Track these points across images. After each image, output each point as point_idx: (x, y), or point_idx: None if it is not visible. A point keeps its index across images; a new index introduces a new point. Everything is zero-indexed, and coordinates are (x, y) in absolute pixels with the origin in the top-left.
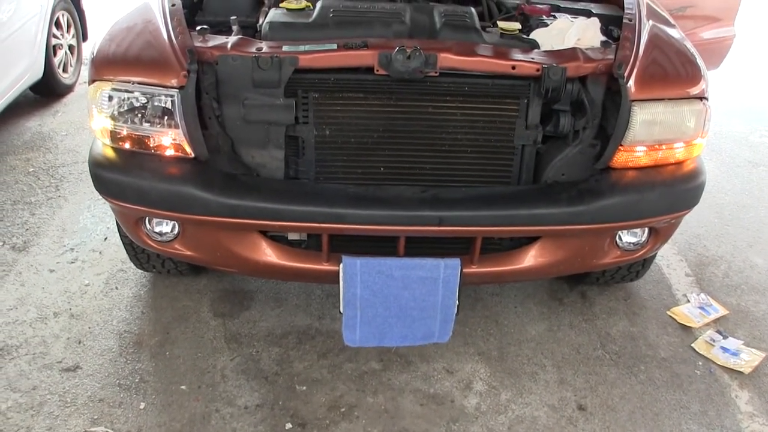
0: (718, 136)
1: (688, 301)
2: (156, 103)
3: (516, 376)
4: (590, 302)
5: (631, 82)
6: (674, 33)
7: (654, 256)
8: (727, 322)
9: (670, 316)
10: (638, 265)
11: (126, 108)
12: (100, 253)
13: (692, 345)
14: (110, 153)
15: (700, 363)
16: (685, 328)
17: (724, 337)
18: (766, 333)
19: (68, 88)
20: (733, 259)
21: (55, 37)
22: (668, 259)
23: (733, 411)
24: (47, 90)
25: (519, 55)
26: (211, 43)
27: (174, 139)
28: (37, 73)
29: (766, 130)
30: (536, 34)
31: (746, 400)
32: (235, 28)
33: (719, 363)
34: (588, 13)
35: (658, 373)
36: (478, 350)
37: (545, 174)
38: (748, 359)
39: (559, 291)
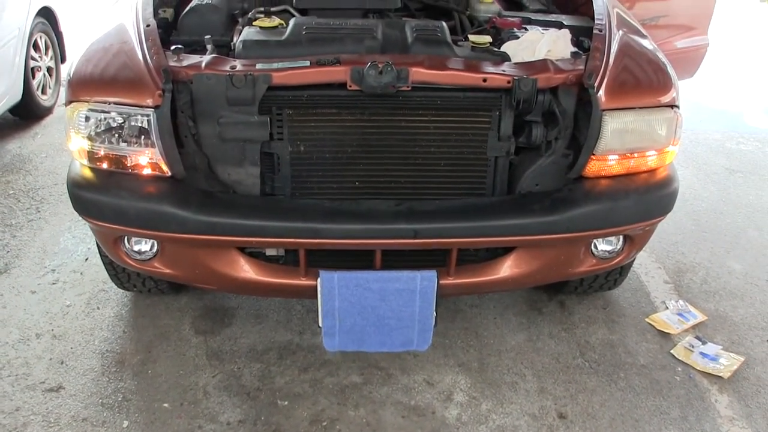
0: (694, 144)
1: (667, 308)
2: (132, 123)
3: (496, 387)
4: (569, 311)
5: (602, 92)
6: (645, 42)
7: (631, 264)
8: (706, 328)
9: (649, 323)
10: (616, 274)
11: (103, 128)
12: (81, 273)
13: (671, 351)
14: (88, 173)
15: (680, 369)
16: (664, 335)
17: (703, 343)
18: (744, 337)
19: (47, 110)
20: (711, 265)
21: (34, 59)
22: (646, 266)
23: (713, 415)
24: (26, 112)
25: (490, 68)
26: (185, 63)
27: (151, 158)
28: (15, 95)
29: (742, 137)
30: (507, 47)
31: (726, 404)
32: (209, 47)
33: (698, 368)
34: (559, 25)
35: (638, 380)
36: (459, 362)
37: (519, 185)
38: (727, 364)
39: (538, 301)
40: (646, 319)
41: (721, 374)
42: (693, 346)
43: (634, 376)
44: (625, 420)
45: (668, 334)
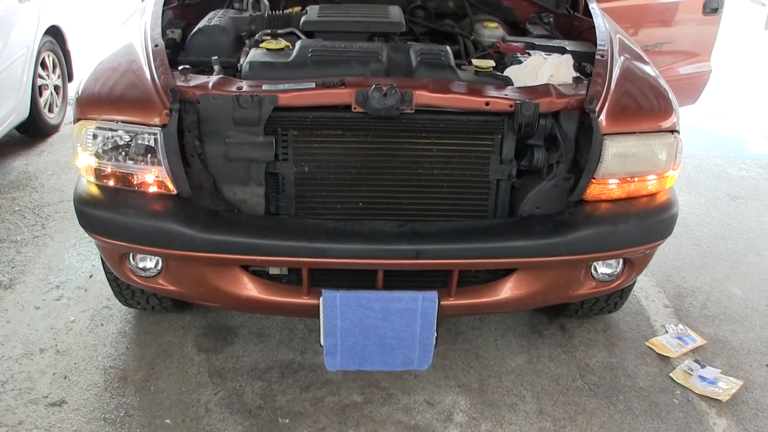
0: (697, 170)
1: (667, 332)
2: (139, 141)
3: (496, 408)
4: (569, 334)
5: (603, 117)
6: (646, 68)
7: (631, 288)
8: (705, 352)
9: (649, 347)
10: (616, 297)
11: (110, 146)
12: (85, 290)
13: (670, 374)
14: (95, 190)
15: (678, 392)
16: (664, 358)
17: (702, 367)
18: (743, 362)
19: (54, 128)
20: (711, 290)
21: (41, 77)
22: (647, 290)
23: None
24: (33, 130)
25: (493, 92)
26: (192, 83)
27: (157, 177)
28: (23, 113)
29: (744, 163)
30: (510, 71)
31: (724, 428)
32: (216, 67)
33: (697, 392)
34: (562, 50)
35: (637, 403)
36: (459, 382)
37: (521, 207)
38: (725, 387)
39: (539, 324)
40: (646, 343)
41: (719, 398)
42: (692, 370)
43: (633, 399)
44: None
45: (668, 357)
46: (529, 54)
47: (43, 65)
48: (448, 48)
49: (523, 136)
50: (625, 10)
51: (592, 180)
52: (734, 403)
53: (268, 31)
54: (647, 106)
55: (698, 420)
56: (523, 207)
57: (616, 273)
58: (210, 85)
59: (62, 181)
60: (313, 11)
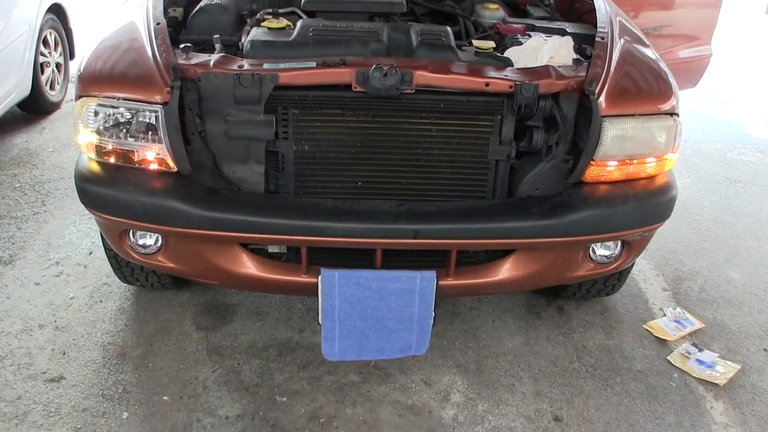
0: (696, 154)
1: (665, 315)
2: (140, 119)
3: (493, 388)
4: (567, 316)
5: (602, 99)
6: (646, 51)
7: (629, 270)
8: (703, 336)
9: (647, 330)
10: (614, 279)
11: (111, 123)
12: (84, 267)
13: (668, 358)
14: (95, 167)
15: (676, 375)
16: (661, 341)
17: (700, 350)
18: (741, 346)
19: (55, 106)
20: (710, 273)
21: (43, 55)
22: (645, 273)
23: (708, 422)
24: (34, 107)
25: (493, 73)
26: (194, 61)
27: (158, 154)
28: (24, 90)
29: (744, 147)
30: (510, 53)
31: (721, 411)
32: (217, 46)
33: (694, 375)
34: (562, 32)
35: (634, 385)
36: (456, 363)
37: (519, 188)
38: (723, 371)
39: (537, 305)
40: (644, 326)
41: (716, 381)
42: (690, 353)
43: (630, 382)
44: (620, 424)
45: (665, 340)
46: (530, 35)
47: (45, 43)
48: (449, 29)
49: (522, 117)
50: None
51: (591, 162)
52: (731, 386)
53: (270, 10)
54: (647, 89)
55: (695, 403)
56: (522, 188)
57: (614, 255)
58: (211, 63)
59: (63, 158)
60: None
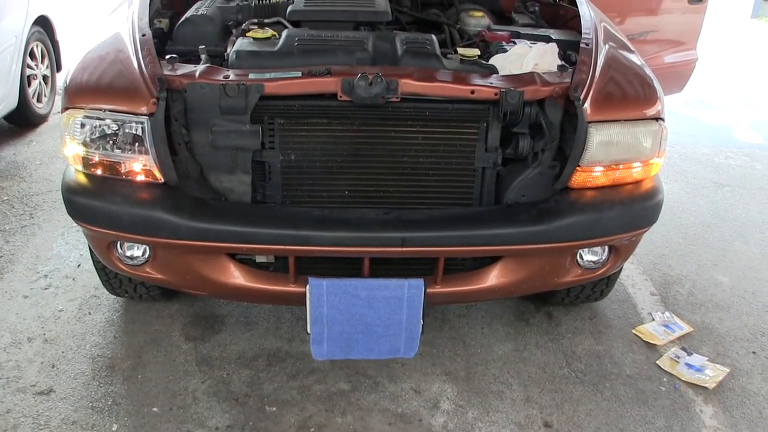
0: (683, 158)
1: (653, 320)
2: (127, 130)
3: (483, 395)
4: (556, 322)
5: (587, 105)
6: (631, 56)
7: (618, 275)
8: (692, 339)
9: (635, 334)
10: (602, 284)
11: (98, 135)
12: (73, 279)
13: (657, 362)
14: (82, 179)
15: (665, 379)
16: (650, 346)
17: (689, 354)
18: (730, 349)
19: (42, 118)
20: (698, 277)
21: (30, 67)
22: (633, 278)
23: (698, 425)
24: (21, 120)
25: (478, 80)
26: (179, 72)
27: (144, 165)
28: (11, 103)
29: (730, 151)
30: (495, 60)
31: (711, 415)
32: (203, 56)
33: (684, 379)
34: (547, 39)
35: (624, 390)
36: (446, 370)
37: (506, 195)
38: (712, 375)
39: (526, 312)
40: (633, 331)
41: (706, 385)
42: (679, 357)
43: (619, 386)
44: (611, 429)
45: (654, 345)
46: (515, 43)
47: (32, 55)
48: (434, 37)
49: (508, 124)
50: None
51: (577, 167)
52: (721, 390)
53: (255, 20)
54: (632, 94)
55: (685, 407)
56: (509, 195)
57: (601, 260)
58: (197, 74)
59: (50, 171)
60: (299, 1)
